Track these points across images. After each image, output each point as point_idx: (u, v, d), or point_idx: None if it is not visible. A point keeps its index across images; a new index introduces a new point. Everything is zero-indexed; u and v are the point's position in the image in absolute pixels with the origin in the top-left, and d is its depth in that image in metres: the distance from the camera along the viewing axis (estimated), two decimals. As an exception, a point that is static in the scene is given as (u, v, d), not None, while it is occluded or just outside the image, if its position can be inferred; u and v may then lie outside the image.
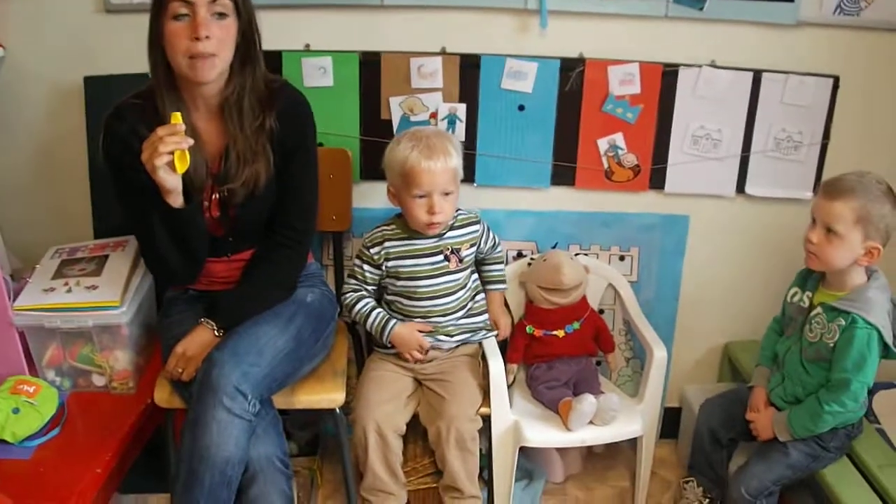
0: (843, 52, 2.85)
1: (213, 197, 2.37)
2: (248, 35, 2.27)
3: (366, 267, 2.69)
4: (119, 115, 2.29)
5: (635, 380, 3.07)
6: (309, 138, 2.46)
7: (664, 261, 3.09)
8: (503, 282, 2.88)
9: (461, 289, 2.72)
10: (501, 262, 2.88)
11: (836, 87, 2.88)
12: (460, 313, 2.73)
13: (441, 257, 2.66)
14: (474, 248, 2.73)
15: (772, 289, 2.95)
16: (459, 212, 2.72)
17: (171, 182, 2.16)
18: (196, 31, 2.12)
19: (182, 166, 2.14)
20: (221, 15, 2.17)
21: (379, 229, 2.69)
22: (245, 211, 2.36)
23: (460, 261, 2.69)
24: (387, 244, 2.66)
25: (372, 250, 2.67)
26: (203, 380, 2.17)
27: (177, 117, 2.12)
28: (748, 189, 2.99)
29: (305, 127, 2.45)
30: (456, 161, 2.57)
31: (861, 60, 2.86)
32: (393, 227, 2.68)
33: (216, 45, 2.16)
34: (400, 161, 2.56)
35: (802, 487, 2.64)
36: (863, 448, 2.53)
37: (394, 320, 2.66)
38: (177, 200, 2.21)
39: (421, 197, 2.55)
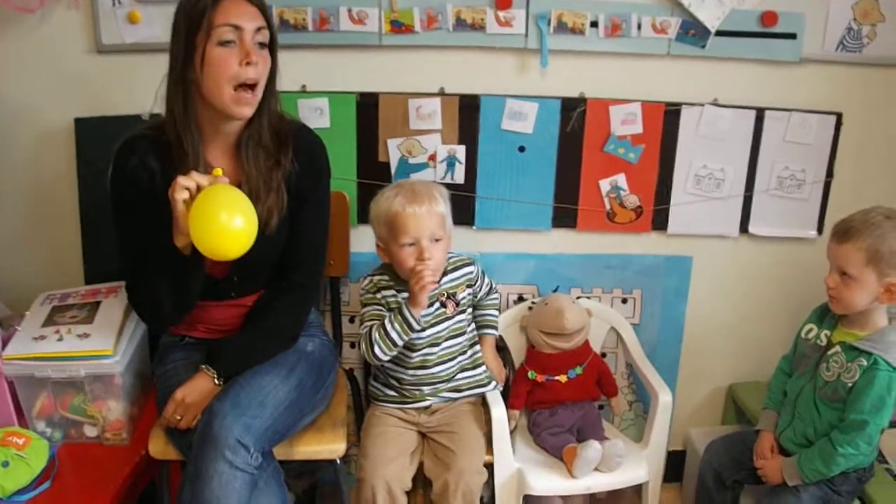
0: (846, 89, 2.86)
1: None
2: (273, 68, 2.26)
3: (373, 307, 2.60)
4: (129, 148, 2.25)
5: (638, 424, 3.03)
6: (323, 183, 2.46)
7: (667, 303, 3.06)
8: (495, 327, 2.82)
9: (460, 335, 2.67)
10: (496, 308, 2.82)
11: (839, 123, 2.88)
12: (458, 360, 2.67)
13: (437, 305, 2.60)
14: (470, 290, 2.68)
15: (777, 329, 2.96)
16: (451, 255, 2.66)
17: (183, 221, 2.08)
18: (248, 55, 2.11)
19: None
20: (262, 45, 2.17)
21: (370, 279, 2.63)
22: (253, 250, 2.25)
23: (457, 304, 2.63)
24: (383, 293, 2.60)
25: (377, 295, 2.60)
26: (204, 432, 2.11)
27: (217, 171, 2.08)
28: (752, 229, 2.98)
29: (322, 171, 2.45)
30: (443, 207, 2.53)
31: (864, 97, 2.87)
32: (386, 277, 2.62)
33: (261, 73, 2.16)
34: (384, 210, 2.52)
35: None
36: (874, 490, 2.50)
37: (393, 312, 2.54)
38: (183, 241, 2.13)
39: (410, 245, 2.49)
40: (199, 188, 2.04)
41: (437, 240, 2.50)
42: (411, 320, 2.48)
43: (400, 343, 2.50)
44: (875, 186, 2.93)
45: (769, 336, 3.04)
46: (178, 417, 2.27)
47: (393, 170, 2.84)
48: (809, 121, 2.85)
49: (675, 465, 3.17)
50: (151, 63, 2.60)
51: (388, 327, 2.48)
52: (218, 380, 2.30)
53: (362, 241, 2.87)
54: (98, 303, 2.55)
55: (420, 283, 2.43)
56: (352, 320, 3.02)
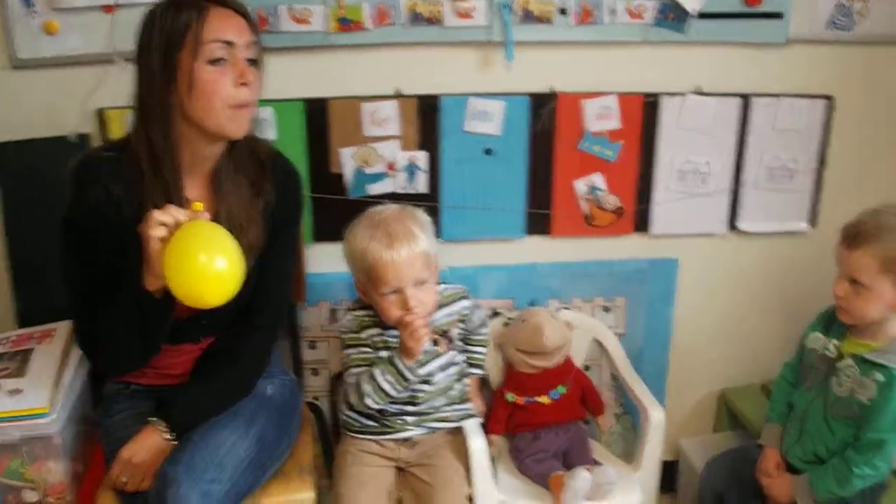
0: (837, 70, 2.75)
1: None
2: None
3: (358, 350, 2.43)
4: (90, 172, 1.99)
5: (627, 437, 2.91)
6: (297, 216, 2.31)
7: (653, 309, 2.92)
8: (481, 366, 2.67)
9: (451, 365, 2.50)
10: (484, 346, 2.66)
11: (830, 107, 2.77)
12: (448, 394, 2.51)
13: (429, 344, 2.40)
14: (463, 325, 2.53)
15: (770, 329, 2.91)
16: (444, 286, 2.48)
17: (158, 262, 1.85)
18: (243, 75, 1.94)
19: None
20: (252, 61, 1.99)
21: (353, 317, 2.44)
22: None
23: (450, 341, 2.47)
24: (368, 332, 2.41)
25: (361, 335, 2.42)
26: (157, 502, 1.93)
27: (198, 205, 1.86)
28: (740, 225, 2.86)
29: (297, 205, 2.29)
30: (424, 243, 2.31)
31: (856, 78, 2.77)
32: (370, 313, 2.42)
33: (255, 93, 1.99)
34: (359, 254, 2.31)
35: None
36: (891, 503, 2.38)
37: (382, 365, 2.37)
38: (156, 283, 1.89)
39: (392, 293, 2.30)
40: (177, 224, 1.82)
41: (421, 282, 2.31)
42: (405, 371, 2.32)
43: (394, 394, 2.34)
44: (871, 172, 2.85)
45: (762, 337, 2.96)
46: (125, 479, 2.07)
47: (348, 181, 2.67)
48: (799, 106, 2.74)
49: (665, 474, 2.97)
50: (74, 78, 2.46)
51: (380, 379, 2.32)
52: (169, 434, 2.09)
53: (319, 261, 2.71)
54: (30, 350, 2.34)
55: (414, 336, 2.26)
56: (312, 346, 2.85)
